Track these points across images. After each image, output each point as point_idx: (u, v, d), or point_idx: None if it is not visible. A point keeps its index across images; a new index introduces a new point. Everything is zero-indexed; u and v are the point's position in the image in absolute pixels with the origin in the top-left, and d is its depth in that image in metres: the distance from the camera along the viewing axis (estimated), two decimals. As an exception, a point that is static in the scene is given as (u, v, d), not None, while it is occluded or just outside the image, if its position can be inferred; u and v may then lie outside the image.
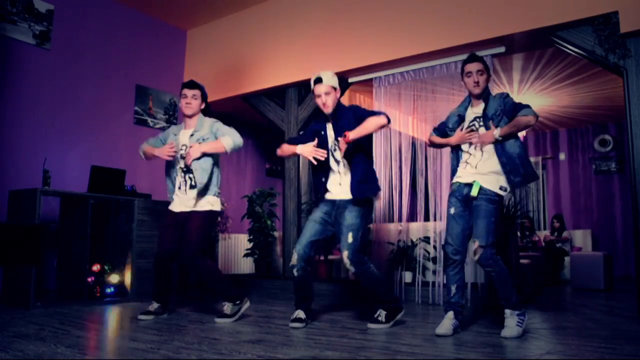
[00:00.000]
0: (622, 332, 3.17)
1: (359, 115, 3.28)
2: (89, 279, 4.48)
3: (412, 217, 5.28)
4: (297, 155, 3.77)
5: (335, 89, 3.35)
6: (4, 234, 3.89)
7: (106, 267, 4.65)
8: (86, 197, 4.44)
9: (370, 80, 5.41)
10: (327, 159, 3.35)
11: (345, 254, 3.21)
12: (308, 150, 3.31)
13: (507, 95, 3.15)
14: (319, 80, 3.33)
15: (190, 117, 3.77)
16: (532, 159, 9.34)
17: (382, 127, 3.23)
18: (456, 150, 3.27)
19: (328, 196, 3.42)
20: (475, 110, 3.21)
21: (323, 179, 3.41)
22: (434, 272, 4.74)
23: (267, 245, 6.16)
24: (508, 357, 2.44)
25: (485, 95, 3.18)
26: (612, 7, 3.89)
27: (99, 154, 5.50)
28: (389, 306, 3.34)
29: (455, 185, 3.19)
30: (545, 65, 5.98)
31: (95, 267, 4.56)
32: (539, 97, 7.24)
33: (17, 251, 3.87)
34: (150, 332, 3.04)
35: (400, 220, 5.03)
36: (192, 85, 3.77)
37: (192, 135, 3.71)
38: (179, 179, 3.71)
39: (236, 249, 7.11)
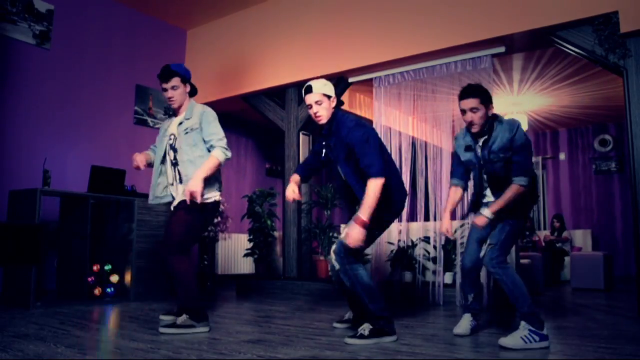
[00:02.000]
0: (622, 332, 3.16)
1: (350, 141, 2.89)
2: (89, 279, 4.48)
3: (412, 217, 5.29)
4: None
5: (329, 97, 2.98)
6: (4, 233, 3.88)
7: (106, 267, 4.65)
8: (86, 197, 4.44)
9: (370, 80, 5.41)
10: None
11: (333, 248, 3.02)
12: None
13: (518, 127, 2.85)
14: (308, 90, 2.98)
15: (177, 109, 3.40)
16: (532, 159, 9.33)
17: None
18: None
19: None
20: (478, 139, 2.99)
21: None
22: (434, 272, 4.73)
23: (267, 245, 6.16)
24: (509, 357, 2.44)
25: (488, 126, 2.91)
26: (612, 7, 3.89)
27: (99, 154, 5.50)
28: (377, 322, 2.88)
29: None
30: (545, 65, 5.98)
31: (96, 267, 4.56)
32: (539, 97, 7.24)
33: (17, 251, 3.86)
34: (150, 332, 3.03)
35: (400, 220, 5.03)
36: (167, 76, 3.30)
37: (180, 123, 3.35)
38: (170, 172, 3.40)
39: (236, 249, 7.10)
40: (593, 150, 8.93)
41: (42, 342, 2.71)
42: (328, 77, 5.53)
